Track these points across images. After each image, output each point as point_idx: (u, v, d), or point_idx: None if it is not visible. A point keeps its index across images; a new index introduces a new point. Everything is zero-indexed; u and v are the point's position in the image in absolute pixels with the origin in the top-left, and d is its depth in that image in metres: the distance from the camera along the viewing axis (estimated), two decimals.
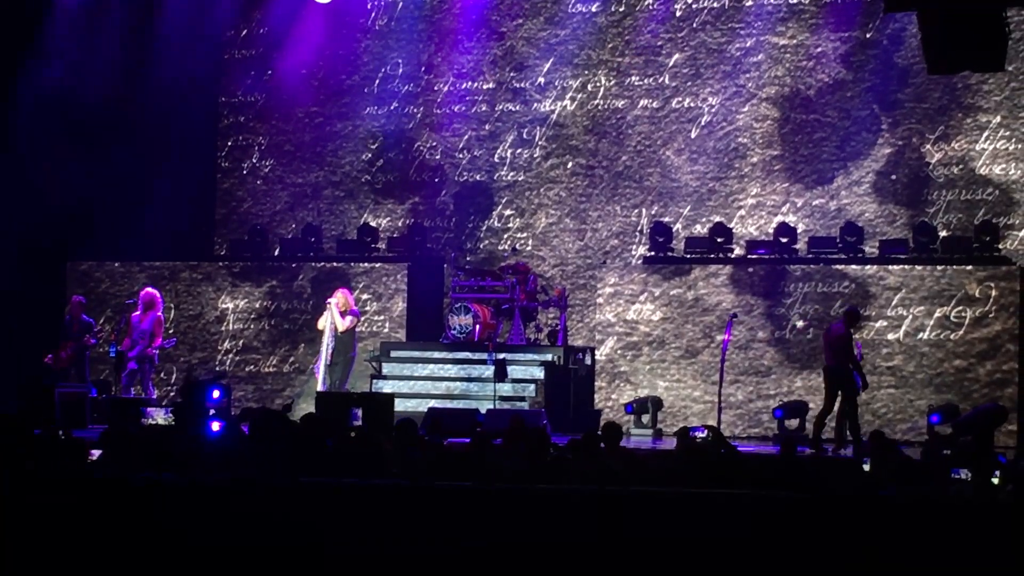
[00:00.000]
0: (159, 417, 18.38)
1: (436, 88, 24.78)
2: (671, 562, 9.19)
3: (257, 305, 23.58)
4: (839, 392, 18.41)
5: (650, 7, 23.79)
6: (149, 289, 21.54)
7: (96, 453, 17.67)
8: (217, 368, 23.32)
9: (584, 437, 12.80)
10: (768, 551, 9.06)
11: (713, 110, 23.42)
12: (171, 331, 22.75)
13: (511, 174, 24.38)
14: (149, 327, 21.03)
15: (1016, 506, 9.22)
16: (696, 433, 17.21)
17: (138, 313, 21.07)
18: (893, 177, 22.56)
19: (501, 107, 24.43)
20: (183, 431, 14.03)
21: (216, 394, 20.07)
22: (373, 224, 24.48)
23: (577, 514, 9.55)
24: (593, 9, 24.02)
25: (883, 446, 13.12)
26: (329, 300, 20.66)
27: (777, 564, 9.00)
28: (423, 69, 24.85)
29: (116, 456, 11.81)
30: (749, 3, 23.33)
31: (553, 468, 11.79)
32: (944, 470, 10.55)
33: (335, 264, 23.51)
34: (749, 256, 22.25)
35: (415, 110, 24.86)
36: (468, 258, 24.06)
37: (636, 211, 23.66)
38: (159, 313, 21.27)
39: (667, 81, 23.69)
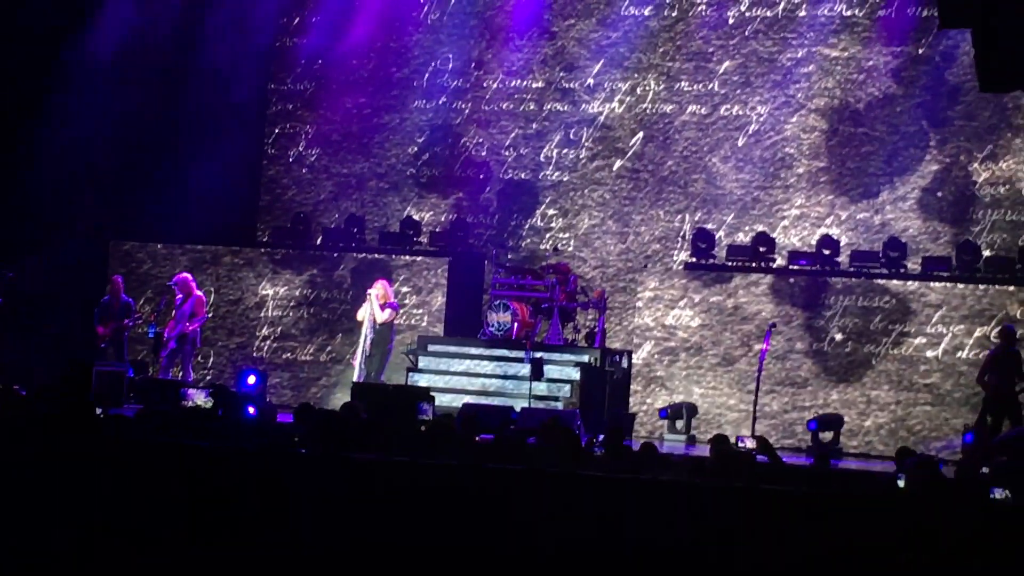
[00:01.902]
0: (199, 399, 18.43)
1: (485, 85, 24.81)
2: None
3: (297, 293, 23.66)
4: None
5: (703, 13, 23.77)
6: (182, 274, 21.72)
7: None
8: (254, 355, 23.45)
9: (610, 432, 13.06)
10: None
11: (761, 119, 23.40)
12: (210, 314, 22.81)
13: (556, 174, 24.39)
14: (190, 308, 21.20)
15: None
16: (742, 443, 17.24)
17: (180, 296, 21.24)
18: (939, 194, 22.50)
19: (549, 106, 24.45)
20: (222, 414, 14.12)
21: (252, 379, 20.18)
22: (416, 217, 24.51)
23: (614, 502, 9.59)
24: (646, 13, 24.02)
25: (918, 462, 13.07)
26: (369, 291, 20.73)
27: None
28: (473, 65, 24.88)
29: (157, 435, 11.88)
30: (802, 14, 23.29)
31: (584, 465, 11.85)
32: (983, 489, 10.51)
33: (376, 256, 23.56)
34: (791, 267, 22.21)
35: (463, 106, 24.89)
36: (509, 256, 24.07)
37: (679, 216, 23.65)
38: (199, 293, 21.46)
39: (716, 88, 23.67)
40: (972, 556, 8.47)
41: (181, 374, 21.23)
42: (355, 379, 20.29)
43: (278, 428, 14.31)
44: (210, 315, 22.83)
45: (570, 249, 24.03)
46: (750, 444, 17.36)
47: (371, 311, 20.44)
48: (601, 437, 14.45)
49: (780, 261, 22.44)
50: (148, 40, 24.52)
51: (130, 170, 24.14)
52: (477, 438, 13.82)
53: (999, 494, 10.81)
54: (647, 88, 23.97)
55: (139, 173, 24.14)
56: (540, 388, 20.49)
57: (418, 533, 9.61)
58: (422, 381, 20.86)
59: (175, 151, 24.46)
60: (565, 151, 24.34)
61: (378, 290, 20.63)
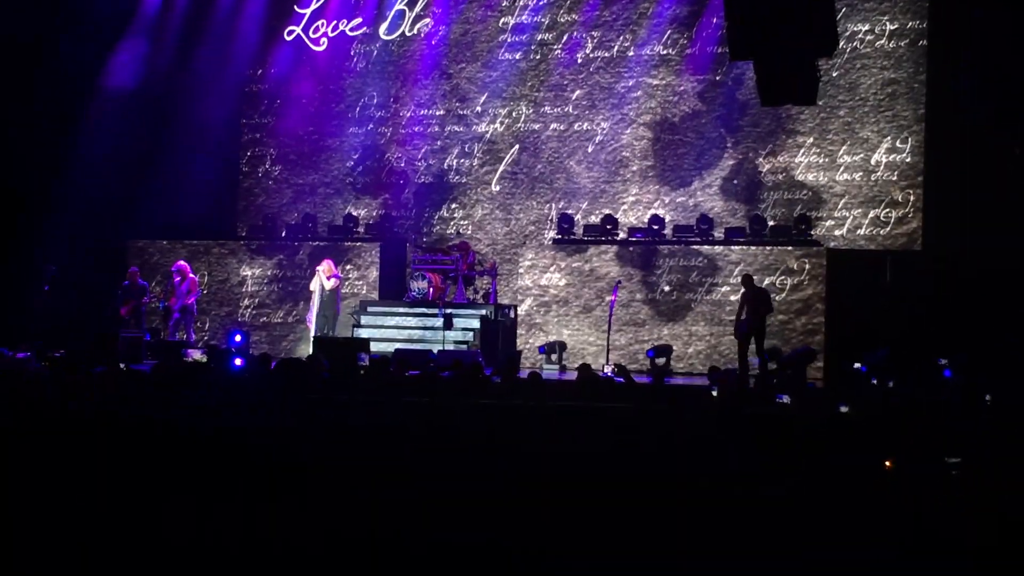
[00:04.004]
0: (196, 355, 18.20)
1: (401, 114, 24.61)
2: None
3: (269, 273, 23.40)
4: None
5: (559, 56, 23.70)
6: (180, 262, 21.49)
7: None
8: (238, 320, 23.17)
9: (506, 360, 13.07)
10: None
11: (604, 132, 23.40)
12: (204, 292, 22.58)
13: (456, 177, 24.26)
14: (187, 287, 20.96)
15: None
16: (607, 367, 17.35)
17: (178, 279, 20.96)
18: (735, 182, 22.64)
19: (449, 128, 24.30)
20: (214, 366, 13.90)
21: (238, 338, 19.95)
22: (355, 214, 24.31)
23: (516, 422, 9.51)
24: (517, 57, 23.93)
25: (727, 376, 13.15)
26: (317, 268, 20.66)
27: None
28: (392, 100, 24.67)
29: (164, 384, 11.66)
30: (631, 54, 23.28)
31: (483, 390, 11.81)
32: (772, 394, 10.60)
33: (326, 243, 23.35)
34: (630, 239, 22.28)
35: (386, 130, 24.68)
36: (424, 239, 23.95)
37: (548, 205, 23.63)
38: (192, 276, 21.24)
39: (571, 110, 23.63)
40: (764, 438, 8.56)
41: (184, 336, 20.97)
42: (312, 334, 20.14)
43: (256, 376, 14.10)
44: (204, 291, 22.57)
45: (469, 232, 23.94)
46: (608, 370, 17.45)
47: (320, 282, 20.33)
48: (490, 370, 14.41)
49: (622, 235, 22.50)
50: (150, 87, 24.19)
51: (139, 185, 23.77)
52: (406, 373, 13.78)
53: (784, 399, 10.89)
54: (520, 112, 23.89)
55: (146, 187, 23.79)
56: (451, 336, 20.46)
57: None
58: (364, 334, 20.77)
59: (174, 170, 24.17)
60: (462, 160, 24.22)
61: (324, 266, 20.55)
